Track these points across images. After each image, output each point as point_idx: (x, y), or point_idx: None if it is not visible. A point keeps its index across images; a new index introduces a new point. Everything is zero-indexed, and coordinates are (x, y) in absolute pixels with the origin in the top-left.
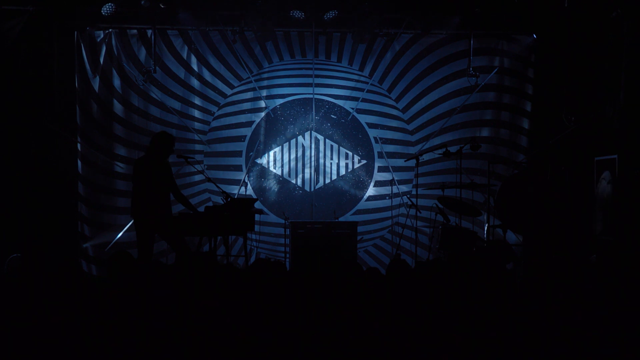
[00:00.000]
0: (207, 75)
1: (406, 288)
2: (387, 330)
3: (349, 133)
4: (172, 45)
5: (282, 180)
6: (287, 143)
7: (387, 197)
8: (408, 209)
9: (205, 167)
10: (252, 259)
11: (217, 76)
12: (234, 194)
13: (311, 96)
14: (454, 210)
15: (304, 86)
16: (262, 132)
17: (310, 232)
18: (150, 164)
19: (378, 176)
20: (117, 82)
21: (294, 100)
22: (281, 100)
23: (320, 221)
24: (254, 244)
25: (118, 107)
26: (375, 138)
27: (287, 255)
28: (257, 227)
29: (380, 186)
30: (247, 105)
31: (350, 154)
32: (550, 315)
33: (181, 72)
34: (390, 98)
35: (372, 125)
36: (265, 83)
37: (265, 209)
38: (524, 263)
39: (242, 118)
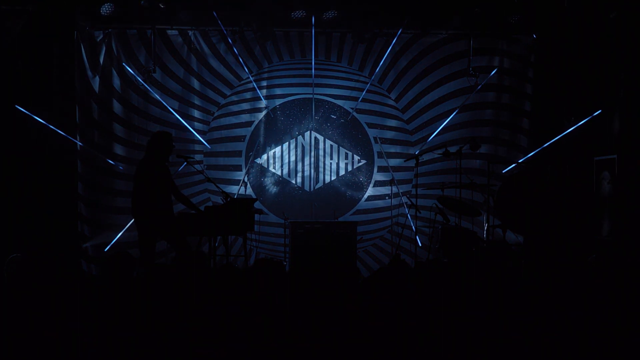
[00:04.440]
0: (207, 75)
1: (405, 288)
2: (386, 330)
3: (349, 133)
4: (172, 45)
5: (282, 180)
6: (287, 143)
7: (387, 197)
8: (408, 209)
9: (205, 167)
10: (252, 259)
11: (217, 76)
12: (234, 194)
13: (311, 96)
14: (453, 210)
15: (304, 86)
16: (261, 132)
17: (310, 232)
18: (152, 164)
19: (378, 176)
20: (117, 82)
21: (294, 100)
22: (281, 100)
23: (320, 221)
24: (254, 244)
25: (118, 107)
26: (375, 138)
27: (287, 255)
28: (257, 227)
29: (380, 186)
30: (247, 105)
31: (350, 154)
32: (550, 314)
33: (181, 72)
34: (390, 98)
35: (372, 125)
36: (265, 83)
37: (265, 209)
38: (524, 263)
39: (242, 118)
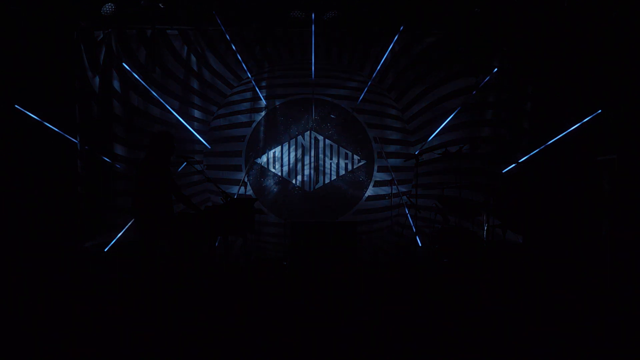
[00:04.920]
0: (207, 75)
1: (405, 287)
2: (387, 329)
3: (349, 133)
4: (172, 45)
5: (281, 180)
6: (287, 143)
7: (387, 197)
8: (408, 209)
9: (205, 167)
10: (252, 259)
11: (217, 76)
12: (234, 194)
13: (311, 96)
14: (453, 210)
15: (304, 86)
16: (262, 132)
17: (310, 232)
18: (153, 164)
19: (377, 176)
20: (117, 82)
21: (294, 100)
22: (281, 101)
23: (320, 221)
24: (254, 244)
25: (118, 107)
26: (374, 138)
27: (287, 255)
28: (257, 227)
29: (380, 186)
30: (247, 105)
31: (350, 154)
32: (550, 313)
33: (181, 72)
34: (390, 98)
35: (372, 125)
36: (265, 83)
37: (265, 209)
38: (524, 263)
39: (242, 118)
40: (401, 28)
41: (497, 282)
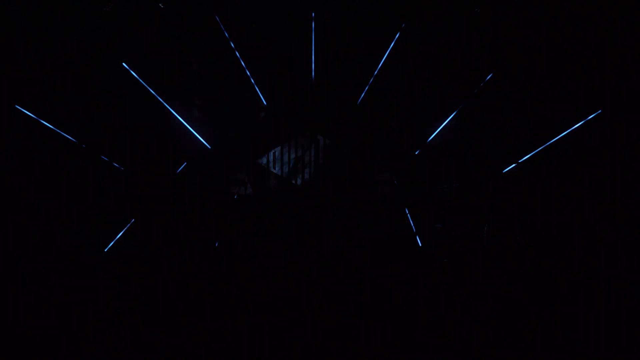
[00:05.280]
0: (207, 75)
1: (405, 287)
2: (387, 328)
3: (349, 133)
4: (172, 45)
5: (281, 181)
6: (287, 143)
7: (387, 198)
8: (408, 209)
9: (205, 167)
10: (252, 258)
11: (217, 76)
12: (234, 194)
13: (311, 96)
14: (452, 210)
15: (304, 86)
16: (262, 132)
17: (309, 231)
18: (152, 164)
19: (377, 176)
20: (117, 82)
21: (293, 99)
22: (281, 100)
23: (320, 221)
24: (253, 243)
25: (118, 107)
26: (374, 138)
27: (286, 254)
28: (256, 227)
29: (380, 186)
30: (246, 105)
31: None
32: (551, 313)
33: (181, 72)
34: (390, 97)
35: (372, 125)
36: (264, 83)
37: (264, 209)
38: (524, 263)
39: (242, 118)
40: (402, 25)
41: (497, 282)
